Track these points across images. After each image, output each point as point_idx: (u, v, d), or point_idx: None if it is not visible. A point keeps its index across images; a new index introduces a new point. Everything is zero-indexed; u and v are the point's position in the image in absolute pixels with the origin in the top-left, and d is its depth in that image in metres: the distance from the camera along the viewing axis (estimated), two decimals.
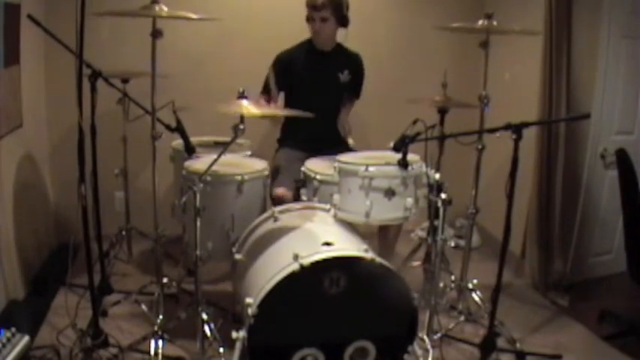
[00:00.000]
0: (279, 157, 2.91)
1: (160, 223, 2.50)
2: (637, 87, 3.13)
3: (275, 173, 2.75)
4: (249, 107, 1.99)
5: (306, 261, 1.83)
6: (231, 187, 2.38)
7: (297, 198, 2.55)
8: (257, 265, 2.09)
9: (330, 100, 2.91)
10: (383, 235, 2.68)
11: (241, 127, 1.94)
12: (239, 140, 2.16)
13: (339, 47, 2.94)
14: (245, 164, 2.59)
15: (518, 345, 2.42)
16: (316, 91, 2.81)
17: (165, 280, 2.63)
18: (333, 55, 2.90)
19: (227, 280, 2.86)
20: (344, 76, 2.94)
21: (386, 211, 2.18)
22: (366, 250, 1.94)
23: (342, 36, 2.89)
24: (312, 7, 2.73)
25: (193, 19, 2.32)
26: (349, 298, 1.90)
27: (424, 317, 2.29)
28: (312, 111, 2.18)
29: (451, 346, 2.47)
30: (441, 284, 2.67)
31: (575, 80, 2.95)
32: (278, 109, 2.73)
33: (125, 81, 2.98)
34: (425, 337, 2.29)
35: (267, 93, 2.80)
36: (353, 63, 2.99)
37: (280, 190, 2.63)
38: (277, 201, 2.59)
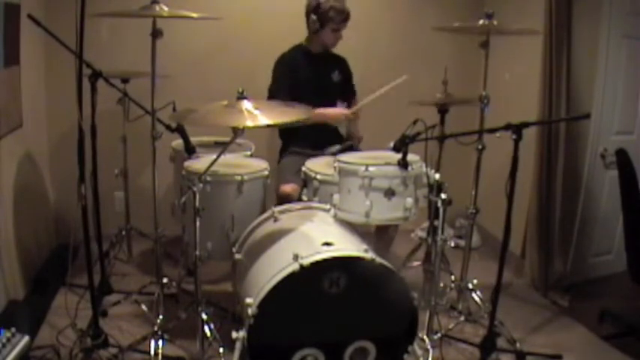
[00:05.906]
0: (284, 162, 2.91)
1: (159, 223, 2.51)
2: (637, 87, 3.13)
3: (280, 172, 2.76)
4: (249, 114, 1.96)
5: (306, 261, 1.83)
6: (231, 187, 2.38)
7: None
8: (257, 265, 2.09)
9: (327, 101, 2.92)
10: (380, 235, 2.68)
11: (241, 127, 1.94)
12: (239, 140, 2.16)
13: (326, 50, 2.98)
14: (245, 164, 2.58)
15: (518, 345, 2.42)
16: (315, 92, 2.83)
17: (165, 280, 2.63)
18: (324, 57, 2.97)
19: (227, 280, 2.86)
20: (335, 76, 3.03)
21: (386, 211, 2.18)
22: (366, 250, 1.93)
23: None
24: (344, 20, 2.82)
25: (194, 19, 2.32)
26: (349, 298, 1.90)
27: (424, 317, 2.29)
28: None
29: (451, 346, 2.47)
30: (441, 284, 2.67)
31: (575, 80, 2.95)
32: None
33: (125, 81, 2.98)
34: (425, 337, 2.29)
35: (279, 97, 2.74)
36: (340, 64, 3.08)
37: (288, 187, 2.63)
38: (284, 198, 2.59)
